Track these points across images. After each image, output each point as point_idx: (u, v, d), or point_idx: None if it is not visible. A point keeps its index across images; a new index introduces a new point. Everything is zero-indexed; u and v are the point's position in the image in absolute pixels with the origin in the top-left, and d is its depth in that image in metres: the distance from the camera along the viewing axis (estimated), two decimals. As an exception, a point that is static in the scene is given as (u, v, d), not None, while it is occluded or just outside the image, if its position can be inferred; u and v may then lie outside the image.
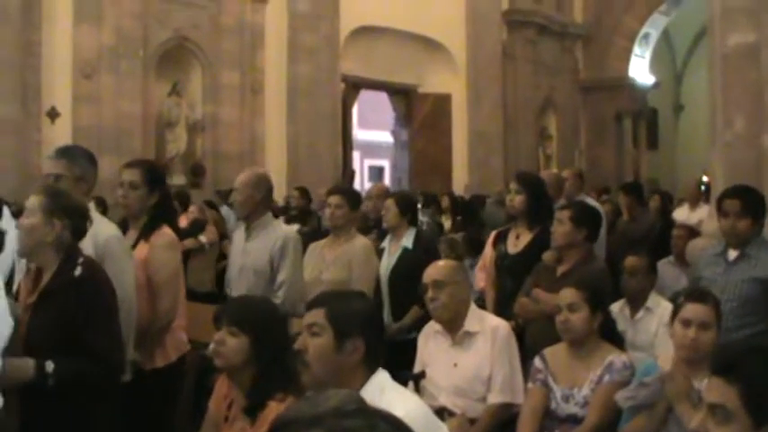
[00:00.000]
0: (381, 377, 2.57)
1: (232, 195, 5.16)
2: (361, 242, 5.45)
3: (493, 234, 5.73)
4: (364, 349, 2.53)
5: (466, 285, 4.10)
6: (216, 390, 3.32)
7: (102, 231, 3.80)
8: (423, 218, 11.69)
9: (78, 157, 4.00)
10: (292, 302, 4.63)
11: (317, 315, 2.56)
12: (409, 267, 5.37)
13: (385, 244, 5.77)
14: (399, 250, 5.59)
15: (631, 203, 8.79)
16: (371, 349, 2.55)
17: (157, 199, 4.27)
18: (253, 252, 4.88)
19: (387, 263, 5.60)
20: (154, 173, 4.36)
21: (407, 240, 5.60)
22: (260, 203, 4.88)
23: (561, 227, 4.82)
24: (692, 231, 6.93)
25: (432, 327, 4.22)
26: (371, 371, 2.56)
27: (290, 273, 4.79)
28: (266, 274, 4.81)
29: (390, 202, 5.73)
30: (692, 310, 3.33)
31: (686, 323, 3.32)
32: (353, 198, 5.56)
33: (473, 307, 4.15)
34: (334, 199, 5.41)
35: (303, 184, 12.22)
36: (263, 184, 4.92)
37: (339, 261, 5.30)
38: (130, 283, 3.84)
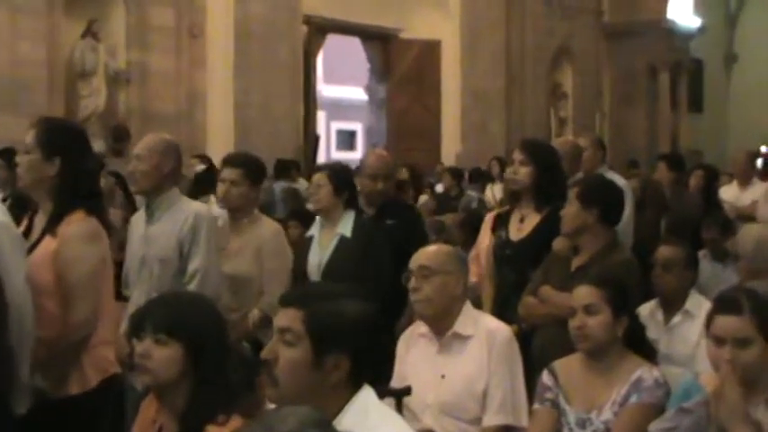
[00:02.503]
0: (365, 397, 2.57)
1: (131, 164, 5.14)
2: (271, 227, 5.49)
3: (490, 216, 5.74)
4: (349, 367, 2.53)
5: (460, 278, 4.11)
6: (141, 413, 3.31)
7: None
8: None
9: None
10: (208, 296, 4.63)
11: (294, 318, 2.54)
12: (349, 261, 5.34)
13: (313, 231, 5.72)
14: (335, 239, 5.53)
15: (673, 180, 8.90)
16: (358, 366, 2.55)
17: (57, 170, 4.16)
18: (156, 238, 4.94)
19: (318, 256, 5.54)
20: (51, 132, 4.19)
21: (344, 227, 5.53)
22: (167, 177, 4.95)
23: (569, 208, 4.85)
24: (727, 225, 7.06)
25: (415, 329, 4.23)
26: (355, 389, 2.57)
27: (203, 260, 4.88)
28: (174, 264, 4.89)
29: (321, 177, 5.62)
30: (722, 324, 3.29)
31: (718, 340, 3.29)
32: (255, 170, 5.58)
33: (468, 306, 4.16)
34: (228, 173, 5.42)
35: (255, 152, 12.14)
36: (172, 154, 5.01)
37: (245, 250, 5.33)
38: (20, 283, 3.69)
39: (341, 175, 5.68)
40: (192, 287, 4.78)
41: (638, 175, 10.28)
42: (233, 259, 5.34)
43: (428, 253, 4.17)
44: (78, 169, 4.18)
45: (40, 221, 4.17)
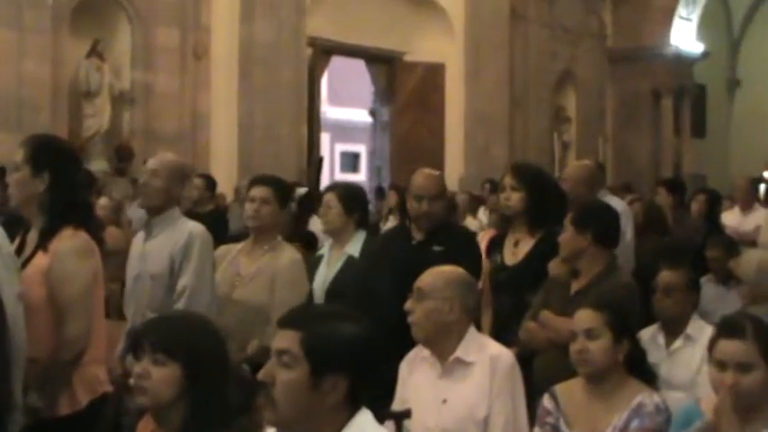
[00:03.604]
0: (363, 419, 2.57)
1: (144, 177, 5.18)
2: (289, 255, 5.34)
3: (484, 239, 5.73)
4: (346, 388, 2.52)
5: (459, 304, 4.06)
6: (137, 432, 3.30)
7: None
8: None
9: None
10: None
11: (291, 340, 2.53)
12: (354, 281, 5.28)
13: (323, 251, 5.69)
14: (342, 259, 5.51)
15: (674, 204, 8.91)
16: (356, 388, 2.54)
17: (47, 185, 4.12)
18: (151, 254, 5.00)
19: (324, 275, 5.50)
20: (39, 148, 4.20)
21: (353, 247, 5.48)
22: (172, 198, 5.09)
23: (564, 233, 4.90)
24: (731, 246, 7.06)
25: (418, 352, 4.21)
26: (353, 411, 2.56)
27: (193, 277, 4.91)
28: (165, 280, 4.93)
29: (331, 198, 5.54)
30: (725, 348, 3.29)
31: (720, 365, 3.29)
32: (283, 191, 5.51)
33: (472, 331, 4.13)
34: (259, 191, 5.33)
35: (258, 173, 12.15)
36: (182, 176, 5.18)
37: (259, 277, 5.25)
38: (11, 301, 3.69)
39: (351, 195, 5.60)
40: (180, 305, 4.80)
41: (639, 199, 10.25)
42: (246, 285, 5.27)
43: (428, 276, 4.14)
44: (68, 184, 4.17)
45: (32, 238, 4.17)
